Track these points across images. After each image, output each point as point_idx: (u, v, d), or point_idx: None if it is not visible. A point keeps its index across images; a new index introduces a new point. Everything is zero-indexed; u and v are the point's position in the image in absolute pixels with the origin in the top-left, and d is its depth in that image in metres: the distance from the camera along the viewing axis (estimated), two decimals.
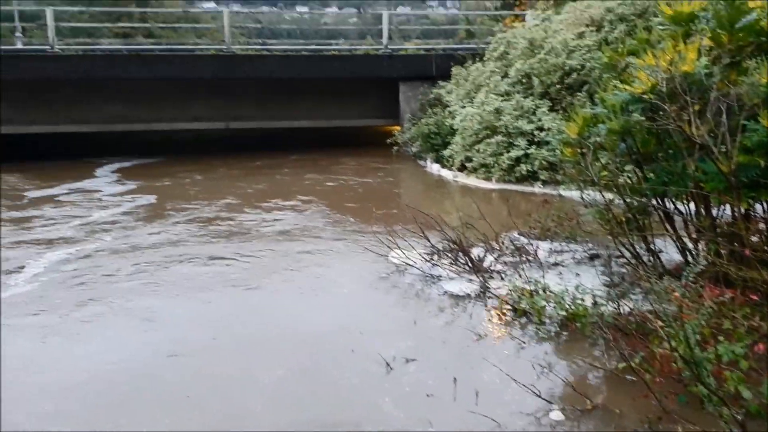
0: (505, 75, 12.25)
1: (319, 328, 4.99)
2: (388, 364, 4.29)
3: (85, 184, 12.11)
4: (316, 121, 16.22)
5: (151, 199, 10.58)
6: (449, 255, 6.14)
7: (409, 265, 6.22)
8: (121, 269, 6.72)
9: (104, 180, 12.63)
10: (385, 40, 15.72)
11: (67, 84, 14.33)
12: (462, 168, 11.39)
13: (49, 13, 14.50)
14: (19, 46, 20.84)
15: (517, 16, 18.43)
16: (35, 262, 7.02)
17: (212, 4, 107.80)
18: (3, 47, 20.11)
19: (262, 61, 14.93)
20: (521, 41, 12.47)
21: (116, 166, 14.18)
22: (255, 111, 15.77)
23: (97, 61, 14.41)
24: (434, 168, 12.47)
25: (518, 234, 6.90)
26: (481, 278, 5.73)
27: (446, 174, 11.81)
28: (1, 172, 12.92)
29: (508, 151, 10.53)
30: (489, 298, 5.43)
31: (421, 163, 13.34)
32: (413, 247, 6.43)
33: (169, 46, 19.09)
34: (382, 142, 14.55)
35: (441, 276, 5.99)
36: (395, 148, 14.02)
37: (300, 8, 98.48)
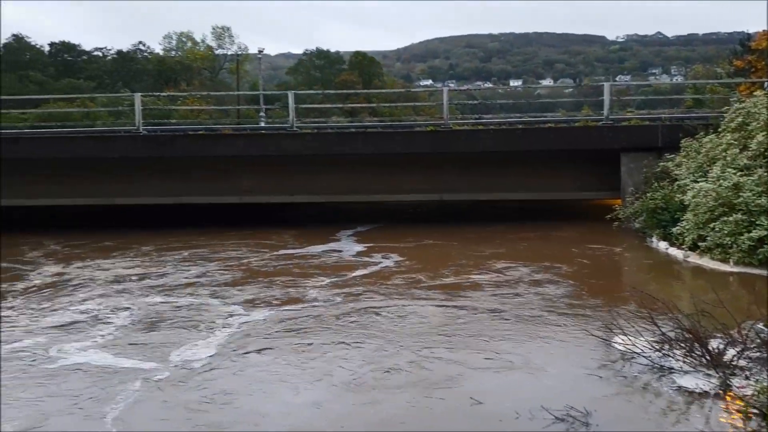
0: (745, 147, 11.18)
1: (539, 414, 4.72)
2: None
3: (332, 245, 13.26)
4: (529, 194, 16.02)
5: (392, 261, 11.35)
6: (683, 345, 5.58)
7: (636, 353, 5.74)
8: (334, 322, 7.31)
9: (346, 243, 13.67)
10: (606, 110, 15.26)
11: (302, 159, 15.71)
12: (694, 247, 10.46)
13: (290, 96, 16.18)
14: (262, 124, 23.55)
15: (753, 83, 16.94)
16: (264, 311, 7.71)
17: (429, 82, 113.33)
18: (249, 126, 22.88)
19: (477, 136, 15.23)
20: (763, 111, 11.35)
21: (354, 230, 15.09)
22: (467, 183, 15.98)
23: (328, 138, 15.73)
24: (661, 246, 11.60)
25: (764, 326, 6.09)
26: (721, 374, 5.12)
27: (675, 253, 10.91)
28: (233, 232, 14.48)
29: (749, 231, 9.49)
30: (731, 398, 4.80)
31: (646, 239, 12.50)
32: (640, 334, 5.95)
33: (390, 123, 20.33)
34: (599, 215, 13.91)
35: (673, 368, 5.45)
36: (616, 223, 13.32)
37: (514, 82, 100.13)
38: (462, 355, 6.18)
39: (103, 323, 7.67)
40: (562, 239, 13.30)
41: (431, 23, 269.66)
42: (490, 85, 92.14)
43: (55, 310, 8.38)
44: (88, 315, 8.04)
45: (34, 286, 9.84)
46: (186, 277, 10.29)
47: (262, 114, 29.64)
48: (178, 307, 8.41)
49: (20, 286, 9.90)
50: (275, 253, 12.46)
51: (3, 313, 8.18)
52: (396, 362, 6.00)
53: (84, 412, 5.12)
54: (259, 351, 6.51)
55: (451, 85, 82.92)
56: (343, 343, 6.67)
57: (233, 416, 4.97)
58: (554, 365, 5.83)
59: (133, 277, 10.29)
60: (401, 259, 11.45)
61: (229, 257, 11.99)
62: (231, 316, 7.87)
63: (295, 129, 15.80)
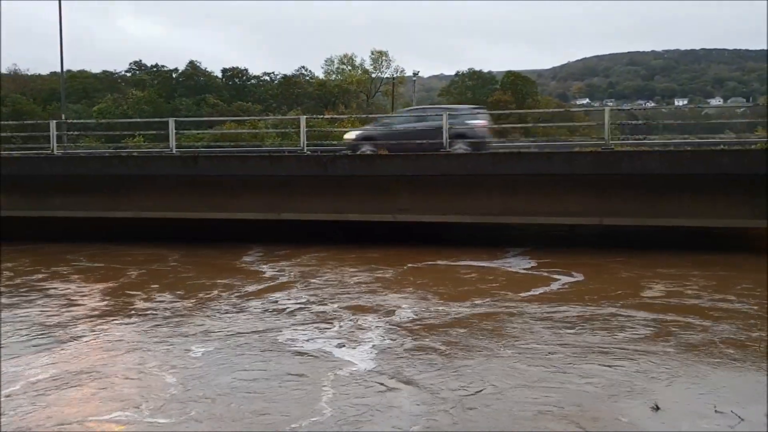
0: None
1: None
2: None
3: (499, 263, 13.79)
4: (698, 220, 14.92)
5: (572, 278, 11.77)
6: None
7: None
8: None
9: (516, 260, 14.03)
10: None
11: (455, 179, 15.75)
12: None
13: (445, 117, 16.33)
14: None
15: None
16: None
17: (587, 101, 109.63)
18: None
19: (641, 158, 14.54)
20: None
21: (520, 250, 15.14)
22: (630, 207, 15.19)
23: (482, 159, 15.69)
24: None
25: None
26: None
27: None
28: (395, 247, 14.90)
29: None
30: None
31: None
32: None
33: (545, 143, 19.91)
34: None
35: None
36: None
37: (679, 101, 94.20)
38: (642, 382, 6.15)
39: (311, 316, 9.29)
40: (749, 268, 12.53)
41: (590, 41, 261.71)
42: (654, 105, 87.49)
43: (281, 302, 10.26)
44: (302, 307, 9.80)
45: (265, 284, 11.82)
46: (371, 282, 11.70)
47: None
48: (370, 307, 9.78)
49: (255, 286, 11.65)
50: (437, 264, 13.52)
51: (243, 304, 10.11)
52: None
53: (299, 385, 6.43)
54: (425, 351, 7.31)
55: (610, 104, 79.73)
56: (515, 351, 7.22)
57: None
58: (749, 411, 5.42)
59: (324, 279, 12.06)
60: (582, 278, 11.78)
61: (405, 267, 13.12)
62: (414, 315, 9.07)
63: (449, 150, 15.94)
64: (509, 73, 65.24)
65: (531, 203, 15.61)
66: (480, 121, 17.16)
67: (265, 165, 16.60)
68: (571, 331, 8.21)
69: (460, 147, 16.09)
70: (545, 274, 12.28)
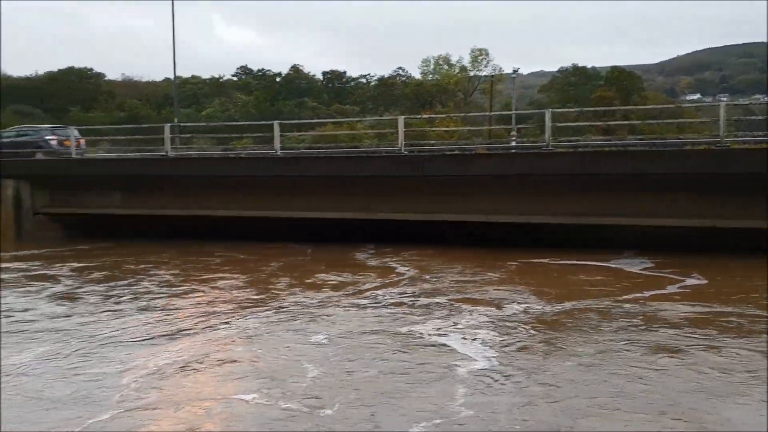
0: None
1: None
2: None
3: (612, 264, 13.83)
4: None
5: (692, 281, 11.73)
6: None
7: None
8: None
9: (633, 261, 14.09)
10: None
11: (555, 178, 15.28)
12: None
13: (547, 115, 15.85)
14: (513, 144, 23.49)
15: None
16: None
17: (697, 96, 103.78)
18: (501, 145, 23.00)
19: (761, 156, 13.55)
20: None
21: (633, 251, 14.96)
22: (747, 209, 14.21)
23: (585, 157, 15.13)
24: None
25: None
26: None
27: None
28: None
29: None
30: None
31: None
32: None
33: (653, 141, 18.96)
34: None
35: None
36: None
37: None
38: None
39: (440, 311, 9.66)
40: None
41: (700, 33, 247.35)
42: None
43: (402, 295, 10.89)
44: (422, 301, 10.32)
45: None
46: (479, 279, 12.09)
47: (513, 133, 29.61)
48: (484, 300, 10.25)
49: (380, 280, 12.35)
50: (543, 263, 13.85)
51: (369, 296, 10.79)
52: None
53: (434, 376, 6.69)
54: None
55: (723, 99, 75.32)
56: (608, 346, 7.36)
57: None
58: None
59: (436, 275, 12.56)
60: (705, 281, 11.75)
61: (510, 265, 13.58)
62: (540, 311, 9.52)
63: (550, 148, 15.51)
64: (613, 69, 62.85)
65: (634, 204, 14.93)
66: (54, 137, 22.27)
67: (360, 166, 16.73)
68: (693, 331, 8.23)
69: (39, 155, 21.23)
70: (666, 275, 12.23)
